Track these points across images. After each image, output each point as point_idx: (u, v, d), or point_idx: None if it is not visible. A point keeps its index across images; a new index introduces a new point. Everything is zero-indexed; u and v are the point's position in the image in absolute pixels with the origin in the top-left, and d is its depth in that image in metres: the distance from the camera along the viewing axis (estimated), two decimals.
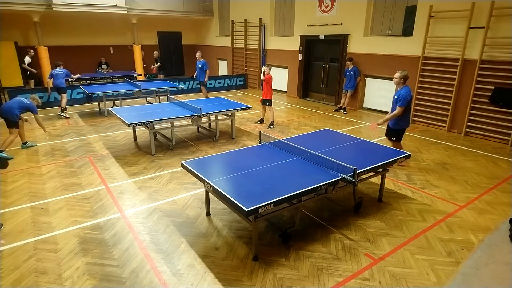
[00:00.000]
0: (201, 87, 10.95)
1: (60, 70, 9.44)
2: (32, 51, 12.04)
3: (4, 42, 12.84)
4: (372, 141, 5.57)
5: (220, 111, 7.15)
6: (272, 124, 8.37)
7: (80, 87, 10.31)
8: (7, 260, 3.42)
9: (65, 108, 9.49)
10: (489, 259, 1.68)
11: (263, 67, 8.28)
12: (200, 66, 10.54)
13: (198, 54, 10.73)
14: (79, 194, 4.83)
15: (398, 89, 5.45)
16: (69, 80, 10.50)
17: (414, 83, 8.74)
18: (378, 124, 5.57)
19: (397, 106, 5.28)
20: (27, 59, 11.85)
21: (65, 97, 9.49)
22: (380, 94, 9.62)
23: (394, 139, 5.67)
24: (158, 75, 14.36)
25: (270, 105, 8.33)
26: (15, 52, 13.07)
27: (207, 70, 10.55)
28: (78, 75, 10.81)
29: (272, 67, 8.51)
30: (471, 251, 1.87)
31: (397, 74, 5.37)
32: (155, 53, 14.53)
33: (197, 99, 9.01)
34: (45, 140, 7.25)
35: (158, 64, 14.21)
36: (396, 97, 5.37)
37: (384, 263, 3.41)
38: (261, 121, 8.73)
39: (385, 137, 5.94)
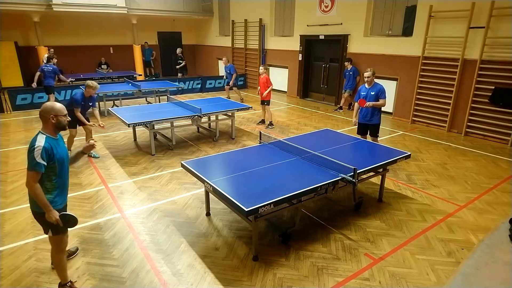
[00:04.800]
0: (231, 89, 11.40)
1: (49, 67, 9.01)
2: (52, 50, 11.81)
3: (4, 42, 12.85)
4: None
5: (220, 111, 7.15)
6: (270, 124, 8.36)
7: (80, 87, 10.29)
8: (7, 260, 3.42)
9: None
10: (489, 259, 1.68)
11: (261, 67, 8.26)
12: (228, 71, 11.11)
13: (224, 59, 11.20)
14: (79, 194, 4.82)
15: (369, 86, 5.61)
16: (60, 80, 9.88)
17: (414, 83, 8.74)
18: (366, 105, 5.55)
19: (381, 99, 5.52)
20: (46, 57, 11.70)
21: (52, 98, 9.19)
22: None
23: (378, 134, 5.86)
24: (179, 74, 14.27)
25: (268, 104, 8.31)
26: (15, 52, 13.08)
27: (234, 74, 11.08)
28: (69, 79, 10.10)
29: (269, 67, 8.47)
30: (471, 251, 1.87)
31: (368, 73, 5.56)
32: (179, 50, 14.42)
33: (197, 99, 9.01)
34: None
35: (183, 63, 14.25)
36: (373, 93, 5.53)
37: (384, 263, 3.41)
38: (262, 122, 8.72)
39: (360, 136, 5.78)
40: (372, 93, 5.55)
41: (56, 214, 2.73)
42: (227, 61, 11.21)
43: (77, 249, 3.53)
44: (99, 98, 9.74)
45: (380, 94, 5.52)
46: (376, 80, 5.71)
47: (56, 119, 2.74)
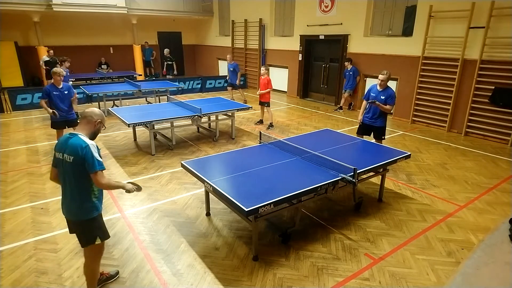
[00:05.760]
0: (234, 89, 11.23)
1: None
2: (51, 50, 11.53)
3: (4, 42, 12.85)
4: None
5: (220, 111, 7.15)
6: (271, 125, 8.35)
7: (80, 87, 10.30)
8: (7, 260, 3.42)
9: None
10: (489, 259, 1.68)
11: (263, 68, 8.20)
12: (231, 69, 10.80)
13: (229, 56, 10.98)
14: None
15: (381, 89, 5.46)
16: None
17: (414, 83, 8.74)
18: (374, 101, 5.45)
19: (388, 104, 5.38)
20: (44, 58, 11.52)
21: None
22: None
23: (384, 137, 5.73)
24: (168, 75, 14.20)
25: (268, 106, 8.31)
26: (15, 52, 13.08)
27: (239, 73, 10.82)
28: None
29: (269, 67, 8.45)
30: (471, 251, 1.87)
31: (384, 76, 5.37)
32: (166, 50, 14.33)
33: (197, 99, 9.01)
34: (45, 140, 7.26)
35: (171, 62, 14.12)
36: (383, 97, 5.39)
37: (384, 263, 3.41)
38: (261, 122, 8.72)
39: (358, 136, 5.73)
40: (382, 97, 5.41)
41: (130, 184, 2.76)
42: (232, 59, 11.00)
43: (117, 273, 3.20)
44: (99, 98, 9.76)
45: (389, 100, 5.37)
46: (377, 82, 5.59)
47: (99, 126, 2.75)
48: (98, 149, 2.61)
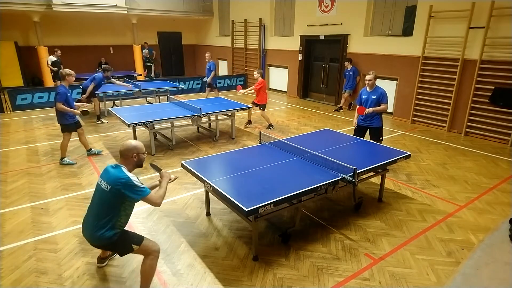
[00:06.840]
0: (207, 88, 10.62)
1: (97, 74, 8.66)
2: (59, 50, 11.75)
3: (4, 42, 12.86)
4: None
5: (220, 111, 7.15)
6: (270, 125, 8.31)
7: (80, 86, 10.29)
8: (7, 260, 3.42)
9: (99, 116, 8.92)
10: (489, 259, 1.68)
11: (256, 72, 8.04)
12: (207, 67, 10.30)
13: (207, 55, 10.52)
14: (79, 194, 4.83)
15: (370, 89, 5.46)
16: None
17: (414, 83, 8.74)
18: (366, 112, 5.43)
19: (382, 104, 5.38)
20: (52, 58, 11.60)
21: (95, 102, 8.83)
22: None
23: (382, 138, 5.65)
24: (147, 77, 13.95)
25: (263, 109, 8.17)
26: (15, 52, 13.10)
27: (213, 72, 10.20)
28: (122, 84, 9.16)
29: (266, 68, 8.38)
30: (471, 251, 1.88)
31: (370, 76, 5.38)
32: (145, 51, 14.03)
33: (197, 99, 9.01)
34: (45, 140, 7.26)
35: (150, 64, 13.89)
36: (374, 97, 5.38)
37: (384, 263, 3.41)
38: (249, 122, 8.61)
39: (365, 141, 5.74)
40: (373, 97, 5.38)
41: (166, 172, 3.05)
42: (210, 58, 10.35)
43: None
44: (100, 98, 9.73)
45: (382, 98, 5.36)
46: (377, 83, 5.57)
47: (138, 157, 2.79)
48: (138, 179, 2.72)
